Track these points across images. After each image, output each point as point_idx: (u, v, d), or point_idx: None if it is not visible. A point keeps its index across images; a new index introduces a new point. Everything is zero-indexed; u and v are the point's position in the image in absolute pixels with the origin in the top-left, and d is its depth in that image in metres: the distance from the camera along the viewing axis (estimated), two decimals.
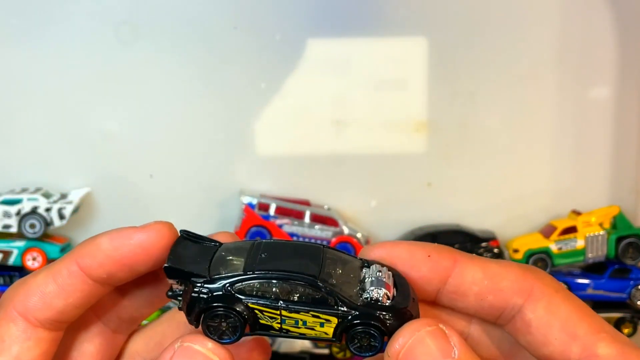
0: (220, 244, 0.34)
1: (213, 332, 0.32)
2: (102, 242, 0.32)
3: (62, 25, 1.02)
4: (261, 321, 0.32)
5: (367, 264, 0.34)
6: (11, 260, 1.00)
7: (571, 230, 1.05)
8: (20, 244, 1.01)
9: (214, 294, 0.31)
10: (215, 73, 1.04)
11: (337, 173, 1.08)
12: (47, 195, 1.01)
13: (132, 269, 0.32)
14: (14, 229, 1.00)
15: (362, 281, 0.32)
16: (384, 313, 0.31)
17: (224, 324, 0.32)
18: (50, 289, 0.32)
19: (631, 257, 1.05)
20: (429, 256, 0.34)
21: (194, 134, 1.07)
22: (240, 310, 0.31)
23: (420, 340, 0.30)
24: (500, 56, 1.06)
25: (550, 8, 1.05)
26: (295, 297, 0.31)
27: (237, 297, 0.31)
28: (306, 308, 0.31)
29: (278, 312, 0.31)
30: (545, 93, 1.08)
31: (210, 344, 0.31)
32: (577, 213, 1.07)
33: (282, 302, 0.31)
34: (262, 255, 0.32)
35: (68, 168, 1.06)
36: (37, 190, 1.03)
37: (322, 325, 0.32)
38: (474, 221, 1.09)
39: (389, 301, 0.32)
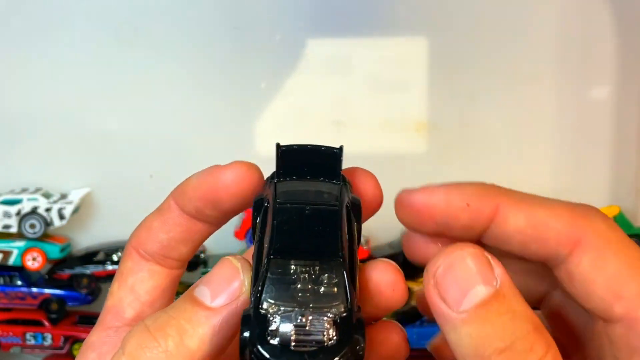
0: (345, 182, 0.33)
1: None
2: (192, 178, 0.35)
3: (61, 26, 1.01)
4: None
5: (348, 310, 0.27)
6: (11, 260, 1.00)
7: None
8: (20, 244, 1.00)
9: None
10: (215, 73, 1.04)
11: None
12: (47, 195, 1.01)
13: (216, 205, 0.34)
14: (14, 229, 1.00)
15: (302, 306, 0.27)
16: (253, 331, 0.26)
17: None
18: (156, 224, 0.35)
19: None
20: (467, 205, 0.32)
21: (194, 134, 1.06)
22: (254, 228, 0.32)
23: (461, 258, 0.28)
24: (500, 56, 1.06)
25: (550, 8, 1.05)
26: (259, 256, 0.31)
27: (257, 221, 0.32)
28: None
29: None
30: (545, 93, 1.08)
31: (241, 257, 0.32)
32: None
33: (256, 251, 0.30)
34: (307, 211, 0.30)
35: (68, 168, 1.06)
36: (37, 190, 1.03)
37: None
38: None
39: (275, 339, 0.26)
